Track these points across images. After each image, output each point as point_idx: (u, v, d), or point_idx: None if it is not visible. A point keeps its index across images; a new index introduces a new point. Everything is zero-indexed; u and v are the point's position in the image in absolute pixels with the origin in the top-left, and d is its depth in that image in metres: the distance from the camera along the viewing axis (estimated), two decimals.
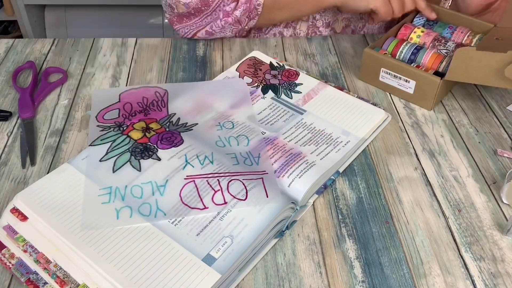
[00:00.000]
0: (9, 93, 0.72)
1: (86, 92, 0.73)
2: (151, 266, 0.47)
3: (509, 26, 0.73)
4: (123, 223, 0.50)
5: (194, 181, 0.55)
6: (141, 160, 0.57)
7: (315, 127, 0.65)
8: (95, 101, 0.67)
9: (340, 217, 0.56)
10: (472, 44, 0.73)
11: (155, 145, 0.59)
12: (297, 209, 0.55)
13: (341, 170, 0.61)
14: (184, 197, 0.53)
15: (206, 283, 0.46)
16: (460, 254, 0.53)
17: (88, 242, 0.48)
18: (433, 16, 0.77)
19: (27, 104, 0.69)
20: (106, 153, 0.58)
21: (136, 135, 0.61)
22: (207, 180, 0.55)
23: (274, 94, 0.70)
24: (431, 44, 0.73)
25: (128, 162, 0.57)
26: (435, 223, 0.56)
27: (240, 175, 0.56)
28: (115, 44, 0.83)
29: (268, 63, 0.76)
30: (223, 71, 0.76)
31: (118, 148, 0.59)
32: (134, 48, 0.82)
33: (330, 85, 0.73)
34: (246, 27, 0.82)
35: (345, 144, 0.62)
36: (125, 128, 0.62)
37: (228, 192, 0.54)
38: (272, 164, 0.58)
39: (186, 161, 0.57)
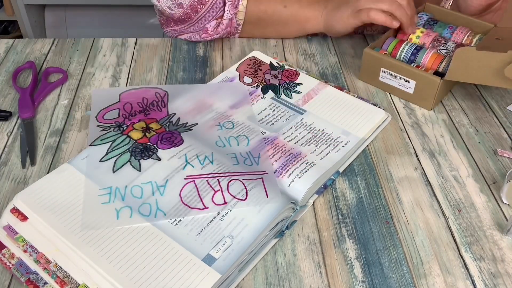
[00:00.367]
0: (9, 93, 0.72)
1: (86, 92, 0.73)
2: (151, 266, 0.47)
3: (509, 26, 0.73)
4: (123, 223, 0.50)
5: (194, 181, 0.55)
6: (141, 160, 0.57)
7: (315, 127, 0.65)
8: (94, 101, 0.67)
9: (340, 217, 0.56)
10: (472, 44, 0.73)
11: (155, 145, 0.59)
12: (297, 209, 0.55)
13: (341, 170, 0.61)
14: (184, 197, 0.53)
15: (206, 283, 0.46)
16: (460, 254, 0.53)
17: (88, 242, 0.48)
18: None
19: (27, 104, 0.69)
20: (106, 153, 0.58)
21: (136, 135, 0.61)
22: (207, 180, 0.55)
23: (274, 94, 0.70)
24: (430, 44, 0.74)
25: (128, 162, 0.57)
26: (435, 223, 0.56)
27: (240, 175, 0.56)
28: (115, 44, 0.83)
29: (268, 63, 0.76)
30: (223, 71, 0.76)
31: (118, 148, 0.59)
32: (134, 48, 0.82)
33: (330, 85, 0.73)
34: (232, 37, 0.84)
35: (345, 144, 0.62)
36: (125, 128, 0.62)
37: (228, 192, 0.54)
38: (272, 164, 0.58)
39: (186, 161, 0.57)
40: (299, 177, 0.57)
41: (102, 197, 0.53)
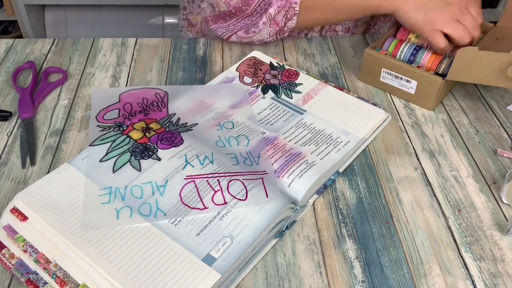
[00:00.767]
0: (9, 93, 0.72)
1: (86, 92, 0.73)
2: (151, 266, 0.47)
3: (509, 26, 0.73)
4: (123, 223, 0.50)
5: (194, 181, 0.55)
6: (141, 160, 0.57)
7: (315, 127, 0.65)
8: (94, 101, 0.67)
9: (340, 217, 0.56)
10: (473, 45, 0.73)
11: (155, 145, 0.59)
12: (297, 209, 0.55)
13: (341, 170, 0.61)
14: (184, 197, 0.53)
15: (206, 283, 0.46)
16: (460, 254, 0.53)
17: (88, 242, 0.48)
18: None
19: (27, 104, 0.69)
20: (106, 153, 0.58)
21: (136, 135, 0.61)
22: (207, 180, 0.55)
23: (274, 94, 0.70)
24: (429, 45, 0.74)
25: (128, 162, 0.57)
26: (435, 223, 0.56)
27: (240, 175, 0.56)
28: (115, 44, 0.83)
29: (268, 63, 0.76)
30: (223, 71, 0.76)
31: (118, 148, 0.59)
32: (134, 48, 0.82)
33: (330, 85, 0.73)
34: (286, 28, 0.78)
35: (345, 144, 0.62)
36: (125, 128, 0.62)
37: (228, 192, 0.54)
38: (272, 164, 0.58)
39: (186, 161, 0.57)
40: (299, 177, 0.57)
41: (102, 197, 0.53)
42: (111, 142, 0.59)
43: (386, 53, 0.73)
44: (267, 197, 0.53)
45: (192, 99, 0.68)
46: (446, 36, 0.68)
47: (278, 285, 0.49)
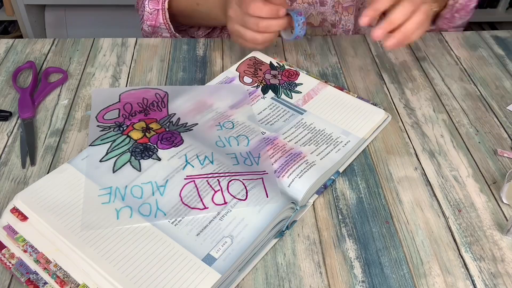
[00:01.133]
0: (9, 93, 0.72)
1: (86, 92, 0.73)
2: (151, 266, 0.47)
3: None
4: (123, 223, 0.50)
5: (194, 181, 0.55)
6: (141, 160, 0.57)
7: (315, 127, 0.65)
8: (94, 100, 0.67)
9: (340, 217, 0.56)
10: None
11: (155, 145, 0.59)
12: (297, 209, 0.55)
13: (341, 170, 0.61)
14: (184, 197, 0.53)
15: (206, 283, 0.46)
16: (460, 254, 0.53)
17: (88, 242, 0.48)
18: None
19: (27, 104, 0.69)
20: (106, 153, 0.58)
21: (136, 135, 0.61)
22: (207, 180, 0.55)
23: (274, 94, 0.70)
24: None
25: (128, 162, 0.57)
26: (435, 223, 0.56)
27: (240, 175, 0.56)
28: (115, 44, 0.83)
29: (268, 63, 0.76)
30: (223, 71, 0.76)
31: (118, 148, 0.59)
32: (134, 48, 0.82)
33: (330, 85, 0.73)
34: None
35: (345, 144, 0.62)
36: (125, 128, 0.62)
37: (228, 192, 0.54)
38: (272, 164, 0.58)
39: (186, 161, 0.57)
40: (299, 177, 0.57)
41: (102, 197, 0.53)
42: (111, 142, 0.59)
43: None
44: (267, 197, 0.53)
45: (192, 99, 0.68)
46: None
47: (278, 285, 0.49)
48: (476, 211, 0.57)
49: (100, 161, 0.57)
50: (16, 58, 0.79)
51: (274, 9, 0.66)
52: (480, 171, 0.62)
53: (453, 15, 0.87)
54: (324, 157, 0.60)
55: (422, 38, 0.87)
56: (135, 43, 0.83)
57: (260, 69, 0.75)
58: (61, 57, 0.80)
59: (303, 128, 0.65)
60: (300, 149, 0.61)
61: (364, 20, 0.62)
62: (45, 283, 0.48)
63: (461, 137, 0.67)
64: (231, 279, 0.49)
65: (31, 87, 0.71)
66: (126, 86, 0.74)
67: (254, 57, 0.77)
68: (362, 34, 0.88)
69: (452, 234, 0.55)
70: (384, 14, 0.63)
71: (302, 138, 0.63)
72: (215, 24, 0.89)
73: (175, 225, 0.51)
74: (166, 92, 0.69)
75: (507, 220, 0.56)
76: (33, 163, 0.61)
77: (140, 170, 0.56)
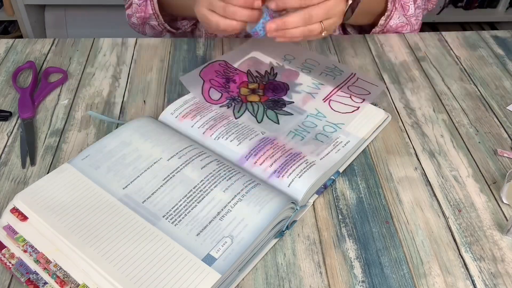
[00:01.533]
0: (9, 93, 0.72)
1: (86, 92, 0.73)
2: (151, 266, 0.47)
3: None
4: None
5: (194, 181, 0.55)
6: (278, 114, 0.66)
7: (315, 127, 0.65)
8: (188, 85, 0.70)
9: (340, 217, 0.56)
10: None
11: (278, 97, 0.68)
12: (297, 209, 0.55)
13: (341, 170, 0.61)
14: (184, 197, 0.53)
15: (206, 283, 0.46)
16: (460, 254, 0.53)
17: (88, 242, 0.48)
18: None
19: (27, 104, 0.69)
20: (256, 115, 0.66)
21: (254, 98, 0.68)
22: (207, 180, 0.55)
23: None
24: None
25: (274, 114, 0.66)
26: (435, 223, 0.56)
27: (240, 174, 0.56)
28: (115, 44, 0.83)
29: (268, 63, 0.76)
30: None
31: (258, 110, 0.67)
32: (134, 48, 0.82)
33: (330, 85, 0.73)
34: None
35: (345, 144, 0.62)
36: (239, 99, 0.68)
37: (228, 192, 0.54)
38: (266, 169, 0.58)
39: (186, 161, 0.57)
40: (299, 177, 0.57)
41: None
42: (249, 110, 0.66)
43: None
44: (267, 197, 0.53)
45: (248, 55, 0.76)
46: None
47: (278, 285, 0.49)
48: (476, 211, 0.57)
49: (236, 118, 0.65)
50: (16, 58, 0.79)
51: None
52: (480, 171, 0.62)
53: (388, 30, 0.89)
54: (324, 157, 0.60)
55: (422, 38, 0.87)
56: (135, 43, 0.83)
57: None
58: (61, 57, 0.80)
59: (303, 128, 0.65)
60: (300, 149, 0.61)
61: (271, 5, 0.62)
62: (45, 283, 0.48)
63: (461, 137, 0.67)
64: (231, 279, 0.49)
65: (31, 87, 0.71)
66: (126, 86, 0.74)
67: (254, 57, 0.77)
68: (362, 34, 0.88)
69: (452, 234, 0.55)
70: None
71: (302, 138, 0.63)
72: (192, 14, 0.83)
73: (175, 225, 0.51)
74: (224, 60, 0.75)
75: (507, 220, 0.56)
76: (33, 163, 0.61)
77: (278, 123, 0.65)
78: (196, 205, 0.52)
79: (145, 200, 0.53)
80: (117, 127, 0.65)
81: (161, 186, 0.54)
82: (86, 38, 0.84)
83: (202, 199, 0.53)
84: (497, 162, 0.64)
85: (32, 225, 0.50)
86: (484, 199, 0.59)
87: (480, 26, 2.29)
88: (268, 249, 0.52)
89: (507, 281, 0.50)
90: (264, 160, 0.59)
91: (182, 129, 0.64)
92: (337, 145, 0.62)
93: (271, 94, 0.70)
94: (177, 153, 0.58)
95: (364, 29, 0.91)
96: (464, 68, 0.80)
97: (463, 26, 2.27)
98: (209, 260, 0.47)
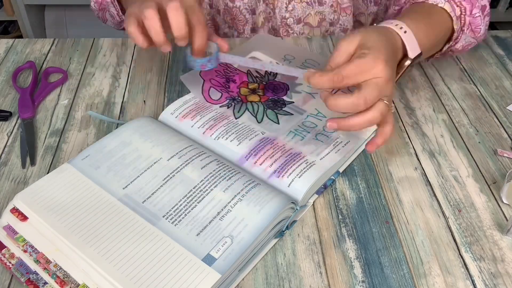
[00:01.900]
0: (9, 93, 0.72)
1: (86, 92, 0.73)
2: (151, 266, 0.47)
3: None
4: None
5: (194, 181, 0.55)
6: (278, 114, 0.66)
7: (314, 127, 0.65)
8: (188, 85, 0.70)
9: (340, 217, 0.56)
10: None
11: (278, 97, 0.68)
12: (297, 209, 0.55)
13: (341, 170, 0.61)
14: (184, 197, 0.53)
15: (206, 283, 0.46)
16: (460, 254, 0.53)
17: (88, 242, 0.48)
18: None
19: (27, 104, 0.69)
20: (256, 114, 0.66)
21: (254, 98, 0.68)
22: (207, 180, 0.55)
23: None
24: None
25: (274, 114, 0.66)
26: (435, 223, 0.56)
27: (240, 174, 0.56)
28: (115, 44, 0.83)
29: (268, 63, 0.76)
30: None
31: (258, 110, 0.66)
32: (134, 48, 0.82)
33: None
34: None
35: (345, 144, 0.62)
36: (239, 99, 0.68)
37: (228, 192, 0.54)
38: (266, 169, 0.58)
39: (186, 161, 0.57)
40: (299, 177, 0.57)
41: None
42: (249, 110, 0.66)
43: None
44: (267, 197, 0.53)
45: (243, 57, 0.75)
46: None
47: (278, 285, 0.49)
48: (476, 211, 0.57)
49: (236, 117, 0.65)
50: (16, 58, 0.79)
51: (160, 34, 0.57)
52: (480, 171, 0.62)
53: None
54: (324, 157, 0.60)
55: None
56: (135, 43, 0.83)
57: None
58: (61, 57, 0.80)
59: (303, 128, 0.65)
60: (300, 149, 0.61)
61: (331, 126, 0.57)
62: (45, 283, 0.48)
63: (461, 137, 0.67)
64: (231, 279, 0.49)
65: (31, 87, 0.71)
66: (126, 86, 0.74)
67: (254, 57, 0.77)
68: None
69: (452, 234, 0.55)
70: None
71: (302, 138, 0.63)
72: None
73: (175, 225, 0.51)
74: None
75: (507, 220, 0.56)
76: (33, 163, 0.61)
77: (279, 123, 0.65)
78: (196, 205, 0.52)
79: (145, 200, 0.53)
80: (117, 127, 0.65)
81: (161, 186, 0.54)
82: (86, 38, 0.84)
83: (202, 199, 0.53)
84: (497, 162, 0.64)
85: (32, 225, 0.50)
86: (484, 199, 0.59)
87: None
88: (268, 249, 0.52)
89: (507, 281, 0.50)
90: (264, 160, 0.59)
91: (182, 129, 0.64)
92: (337, 145, 0.62)
93: (271, 94, 0.70)
94: (177, 153, 0.58)
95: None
96: (464, 68, 0.80)
97: None
98: (209, 260, 0.47)
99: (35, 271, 0.48)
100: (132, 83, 0.75)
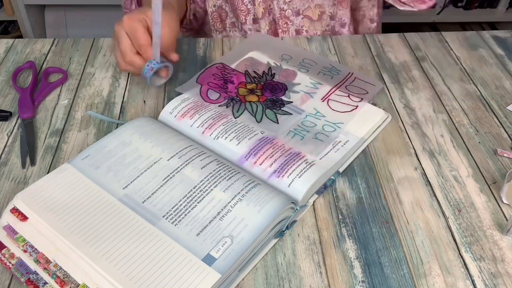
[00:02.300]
0: (9, 93, 0.72)
1: (86, 92, 0.73)
2: (151, 266, 0.47)
3: None
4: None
5: (194, 181, 0.55)
6: (277, 113, 0.66)
7: (314, 127, 0.65)
8: (186, 92, 0.69)
9: (340, 217, 0.56)
10: None
11: (276, 97, 0.69)
12: (297, 209, 0.55)
13: (341, 170, 0.61)
14: (184, 197, 0.53)
15: (206, 283, 0.46)
16: (460, 254, 0.53)
17: (88, 242, 0.48)
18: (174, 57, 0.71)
19: (27, 104, 0.69)
20: (255, 114, 0.66)
21: (252, 98, 0.68)
22: (207, 180, 0.55)
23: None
24: None
25: (273, 114, 0.66)
26: (435, 223, 0.56)
27: (240, 174, 0.56)
28: None
29: (266, 63, 0.76)
30: None
31: (257, 110, 0.67)
32: None
33: (328, 84, 0.73)
34: None
35: (344, 144, 0.62)
36: (237, 99, 0.68)
37: (228, 192, 0.54)
38: (265, 169, 0.58)
39: (186, 161, 0.57)
40: (299, 177, 0.57)
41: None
42: (248, 110, 0.66)
43: None
44: (267, 197, 0.53)
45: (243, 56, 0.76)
46: None
47: (278, 285, 0.49)
48: (476, 211, 0.57)
49: (236, 117, 0.65)
50: (16, 58, 0.79)
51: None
52: (480, 171, 0.62)
53: None
54: (323, 157, 0.60)
55: (422, 38, 0.87)
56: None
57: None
58: (61, 57, 0.80)
59: (302, 127, 0.65)
60: (300, 149, 0.61)
61: None
62: (45, 283, 0.48)
63: (461, 137, 0.67)
64: (231, 279, 0.49)
65: (31, 87, 0.71)
66: (126, 86, 0.74)
67: (252, 57, 0.77)
68: (362, 34, 0.88)
69: (452, 234, 0.55)
70: None
71: (302, 138, 0.63)
72: None
73: (175, 225, 0.51)
74: (221, 62, 0.75)
75: (507, 220, 0.56)
76: (33, 163, 0.61)
77: (278, 123, 0.65)
78: (196, 205, 0.52)
79: (145, 200, 0.53)
80: (117, 127, 0.65)
81: (161, 186, 0.54)
82: (86, 38, 0.84)
83: (202, 199, 0.53)
84: (497, 162, 0.64)
85: (32, 225, 0.50)
86: (484, 199, 0.59)
87: (480, 26, 2.29)
88: (268, 249, 0.52)
89: (507, 281, 0.50)
90: (264, 160, 0.59)
91: (181, 128, 0.64)
92: (336, 145, 0.62)
93: (269, 94, 0.70)
94: (177, 153, 0.58)
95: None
96: (464, 68, 0.80)
97: (463, 26, 2.27)
98: (209, 260, 0.47)
99: (35, 271, 0.48)
100: (132, 83, 0.75)
